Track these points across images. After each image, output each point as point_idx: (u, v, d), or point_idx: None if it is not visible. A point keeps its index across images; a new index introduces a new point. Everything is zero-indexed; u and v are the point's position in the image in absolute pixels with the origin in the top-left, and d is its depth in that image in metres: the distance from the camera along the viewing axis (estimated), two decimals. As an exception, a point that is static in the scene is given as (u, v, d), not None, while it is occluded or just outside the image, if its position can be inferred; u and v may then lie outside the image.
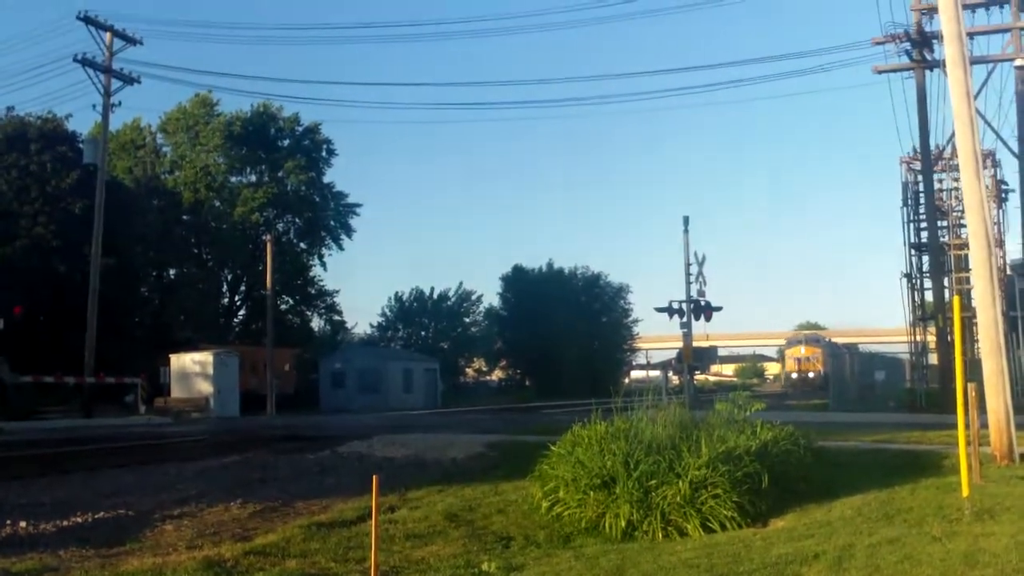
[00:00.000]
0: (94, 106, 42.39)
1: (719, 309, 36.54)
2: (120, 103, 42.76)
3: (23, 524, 11.54)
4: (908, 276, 42.14)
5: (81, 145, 48.01)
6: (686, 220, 36.24)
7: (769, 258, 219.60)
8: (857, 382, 44.75)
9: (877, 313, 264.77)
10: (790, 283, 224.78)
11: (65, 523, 11.81)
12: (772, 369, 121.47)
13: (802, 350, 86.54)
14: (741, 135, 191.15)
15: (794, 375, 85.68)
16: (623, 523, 11.58)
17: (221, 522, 12.29)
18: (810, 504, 12.43)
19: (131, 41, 42.36)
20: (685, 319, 36.20)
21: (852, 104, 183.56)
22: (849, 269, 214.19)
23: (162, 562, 9.55)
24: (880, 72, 37.31)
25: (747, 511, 11.67)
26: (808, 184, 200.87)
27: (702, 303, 36.18)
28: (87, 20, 41.08)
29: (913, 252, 42.03)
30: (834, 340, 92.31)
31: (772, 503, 12.20)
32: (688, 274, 35.71)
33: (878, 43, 36.41)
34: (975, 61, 32.35)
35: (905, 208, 42.14)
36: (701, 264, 35.97)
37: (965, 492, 10.88)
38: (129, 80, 42.56)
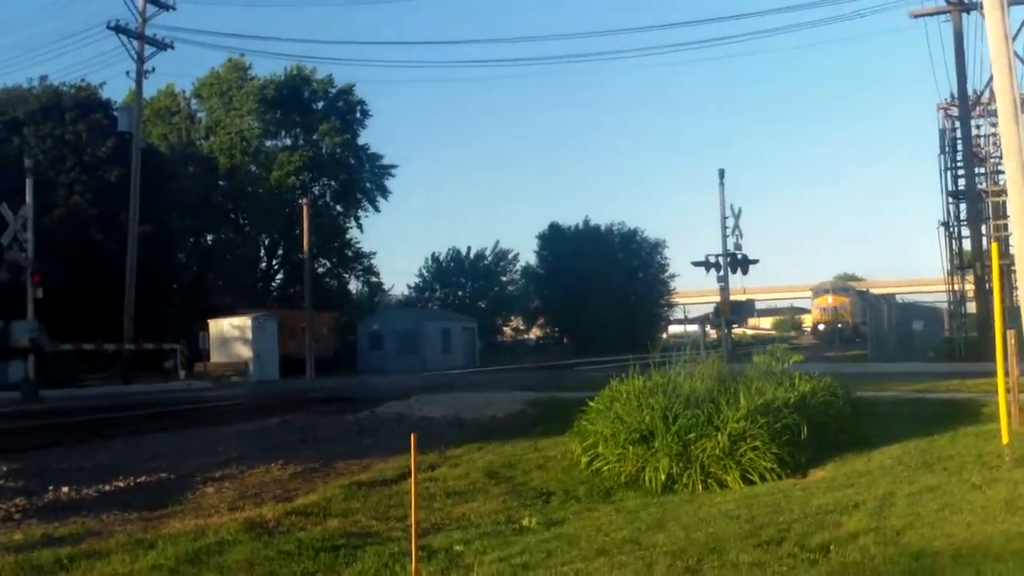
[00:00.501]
0: (128, 73, 42.47)
1: (756, 262, 36.42)
2: (154, 69, 42.92)
3: (65, 489, 11.66)
4: (946, 225, 41.62)
5: (116, 113, 48.22)
6: (721, 173, 36.04)
7: (806, 209, 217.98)
8: (895, 332, 44.42)
9: (915, 263, 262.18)
10: (827, 234, 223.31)
11: (107, 487, 11.92)
12: (809, 321, 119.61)
13: (829, 299, 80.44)
14: (777, 85, 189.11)
15: (821, 327, 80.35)
16: (663, 476, 11.58)
17: (262, 483, 12.39)
18: (849, 454, 12.39)
19: (164, 7, 42.30)
20: (722, 273, 36.07)
21: (889, 50, 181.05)
22: (887, 219, 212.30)
23: (204, 523, 9.65)
24: (916, 16, 36.76)
25: (786, 462, 11.64)
26: (845, 133, 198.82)
27: (739, 256, 36.03)
28: (119, -13, 41.04)
29: (951, 200, 41.49)
30: (872, 290, 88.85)
31: (811, 454, 12.16)
32: (724, 227, 35.55)
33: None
34: (1013, 2, 31.71)
35: (943, 156, 41.55)
36: (737, 217, 35.80)
37: (1005, 439, 10.78)
38: (162, 46, 42.55)
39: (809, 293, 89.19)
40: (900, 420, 14.83)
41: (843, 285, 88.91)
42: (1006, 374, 11.71)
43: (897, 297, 71.32)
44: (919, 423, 14.25)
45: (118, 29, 40.94)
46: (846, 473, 11.19)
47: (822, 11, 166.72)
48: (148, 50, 42.17)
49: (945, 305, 45.82)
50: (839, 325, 76.43)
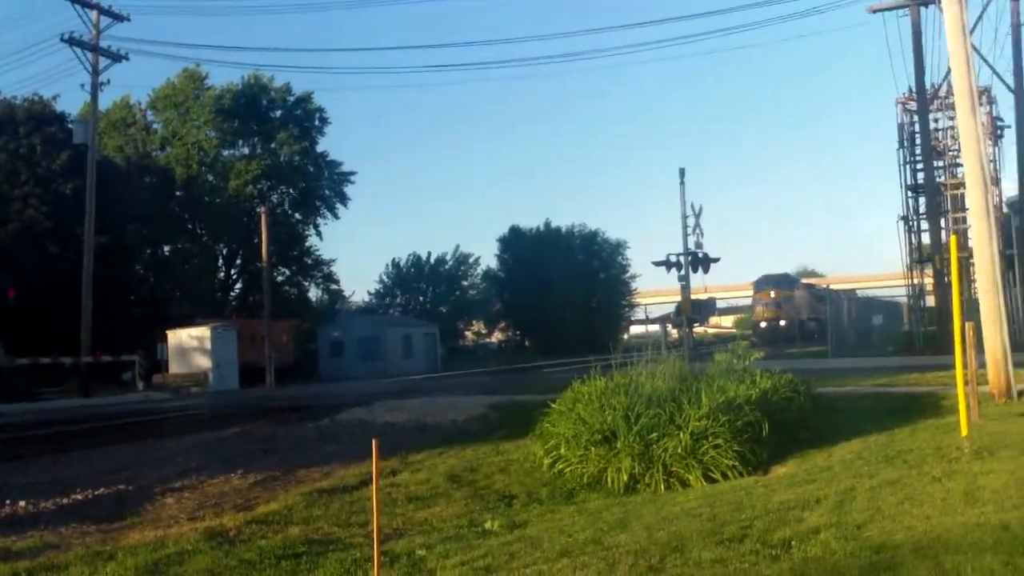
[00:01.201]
0: (82, 85, 41.91)
1: (716, 260, 36.50)
2: (109, 81, 42.31)
3: (23, 503, 11.53)
4: (905, 219, 42.05)
5: (71, 125, 47.62)
6: (682, 172, 36.10)
7: (767, 207, 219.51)
8: (855, 327, 44.76)
9: (875, 258, 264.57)
10: (788, 231, 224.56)
11: (65, 500, 11.79)
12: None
13: (772, 294, 73.04)
14: (737, 83, 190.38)
15: (763, 324, 71.98)
16: (625, 477, 11.60)
17: (222, 493, 12.30)
18: (811, 450, 12.47)
19: (118, 18, 41.80)
20: (683, 272, 36.13)
21: (847, 46, 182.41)
22: (847, 214, 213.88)
23: (164, 534, 9.57)
24: (875, 11, 37.12)
25: (748, 460, 11.69)
26: (804, 129, 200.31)
27: (700, 255, 36.10)
28: (72, -1, 40.58)
29: (910, 194, 41.92)
30: (832, 286, 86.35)
31: (773, 451, 12.23)
32: (685, 226, 35.59)
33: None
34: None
35: (901, 150, 42.00)
36: (698, 216, 35.87)
37: (964, 431, 10.88)
38: (117, 57, 42.09)
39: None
40: (861, 415, 14.96)
41: (787, 278, 79.96)
42: (965, 367, 11.82)
43: (857, 292, 71.51)
44: (879, 417, 14.38)
45: (72, 41, 40.46)
46: (807, 469, 11.24)
47: (780, 8, 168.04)
48: (103, 62, 41.69)
49: (905, 299, 46.24)
50: (781, 322, 70.42)
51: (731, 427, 11.82)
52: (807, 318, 67.73)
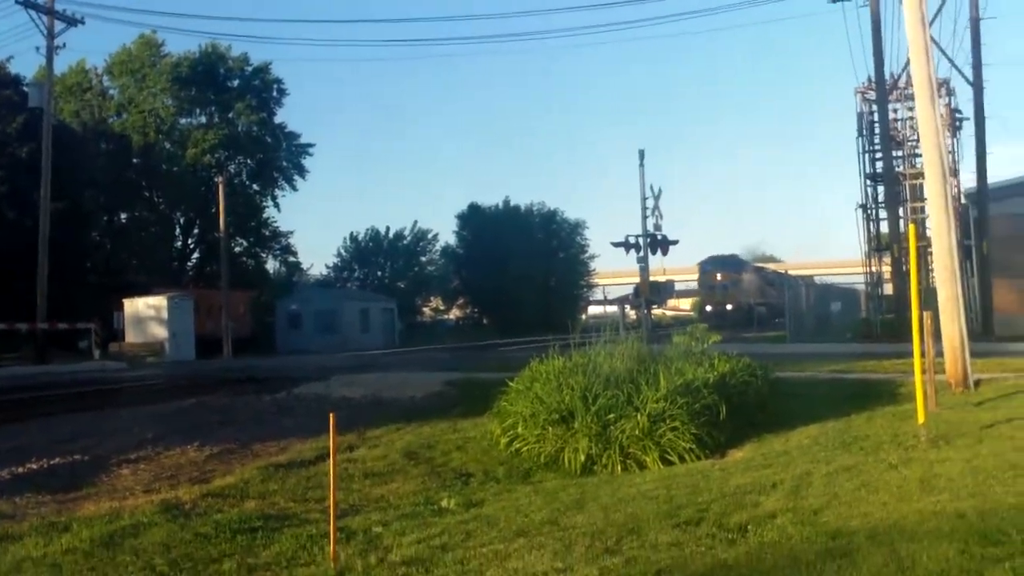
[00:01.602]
0: (38, 48, 41.33)
1: (675, 243, 36.52)
2: (64, 45, 41.74)
3: (-24, 472, 11.37)
4: (863, 207, 42.32)
5: (26, 88, 46.96)
6: (641, 154, 36.05)
7: (725, 192, 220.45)
8: (813, 313, 45.09)
9: (834, 245, 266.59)
10: (747, 216, 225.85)
11: (20, 470, 11.68)
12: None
13: (718, 276, 69.77)
14: (698, 67, 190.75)
15: (708, 307, 68.67)
16: (582, 457, 11.62)
17: (178, 465, 12.23)
18: (768, 435, 12.55)
19: (74, -20, 41.35)
20: (641, 253, 36.18)
21: (807, 34, 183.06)
22: (805, 201, 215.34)
23: (119, 506, 9.50)
24: (835, 0, 37.25)
25: (705, 443, 11.75)
26: (764, 116, 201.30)
27: (659, 237, 36.10)
28: (28, -40, 39.94)
29: (868, 183, 42.20)
30: (791, 272, 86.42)
31: (730, 434, 12.29)
32: (644, 208, 35.60)
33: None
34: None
35: (860, 139, 42.20)
36: (657, 198, 35.85)
37: (921, 419, 10.98)
38: (72, 21, 41.53)
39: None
40: (818, 400, 15.06)
41: (735, 260, 75.56)
42: (922, 355, 11.93)
43: (815, 278, 71.83)
44: (837, 403, 14.49)
45: (27, 4, 39.85)
46: (764, 453, 11.31)
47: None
48: (58, 25, 41.11)
49: (863, 287, 46.61)
50: (728, 306, 67.19)
51: (689, 410, 11.87)
52: (756, 302, 64.24)
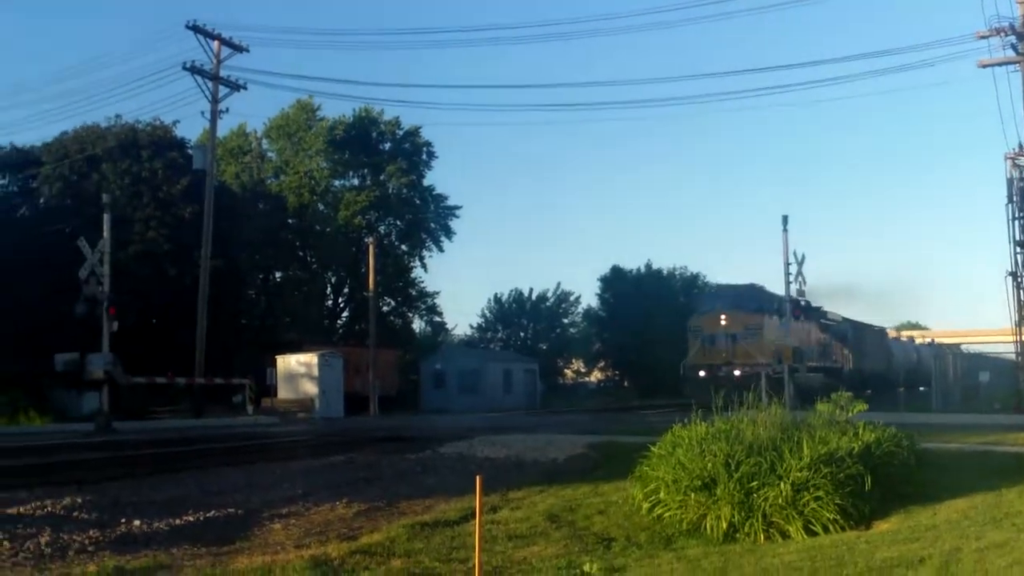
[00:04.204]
0: (202, 113, 43.37)
1: (818, 309, 36.11)
2: (227, 109, 43.71)
3: (136, 522, 11.91)
4: (1013, 275, 40.99)
5: (190, 151, 49.08)
6: (785, 219, 35.82)
7: (870, 256, 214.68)
8: (960, 383, 43.61)
9: (981, 314, 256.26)
10: (891, 283, 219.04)
11: (177, 521, 12.13)
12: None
13: (723, 320, 43.70)
14: (841, 132, 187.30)
15: (701, 372, 43.41)
16: (724, 525, 11.55)
17: (327, 521, 12.55)
18: (914, 507, 12.26)
19: (238, 48, 43.26)
20: (785, 319, 35.85)
21: (955, 99, 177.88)
22: (952, 269, 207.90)
23: (271, 560, 9.79)
24: (984, 66, 36.55)
25: (850, 513, 11.56)
26: (909, 183, 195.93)
27: (801, 303, 35.77)
28: (195, 29, 41.96)
29: (1018, 250, 40.88)
30: (937, 340, 78.94)
31: (875, 505, 12.06)
32: (787, 274, 35.33)
33: (982, 37, 35.72)
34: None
35: (1010, 205, 41.00)
36: (800, 263, 35.55)
37: (1077, 496, 10.65)
38: (235, 87, 43.48)
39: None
40: (967, 473, 14.64)
41: (752, 293, 45.43)
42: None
43: (963, 347, 68.50)
44: (986, 477, 14.06)
45: (193, 70, 41.91)
46: (911, 526, 11.08)
47: (889, 60, 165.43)
48: (222, 91, 43.12)
49: (1013, 356, 44.96)
50: (736, 372, 41.69)
51: (833, 479, 11.71)
52: (812, 366, 42.58)
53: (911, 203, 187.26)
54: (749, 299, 44.53)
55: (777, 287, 35.49)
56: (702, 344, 44.77)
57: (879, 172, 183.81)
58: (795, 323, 41.34)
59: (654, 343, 68.55)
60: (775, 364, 39.53)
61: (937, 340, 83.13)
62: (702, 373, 43.35)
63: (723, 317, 43.67)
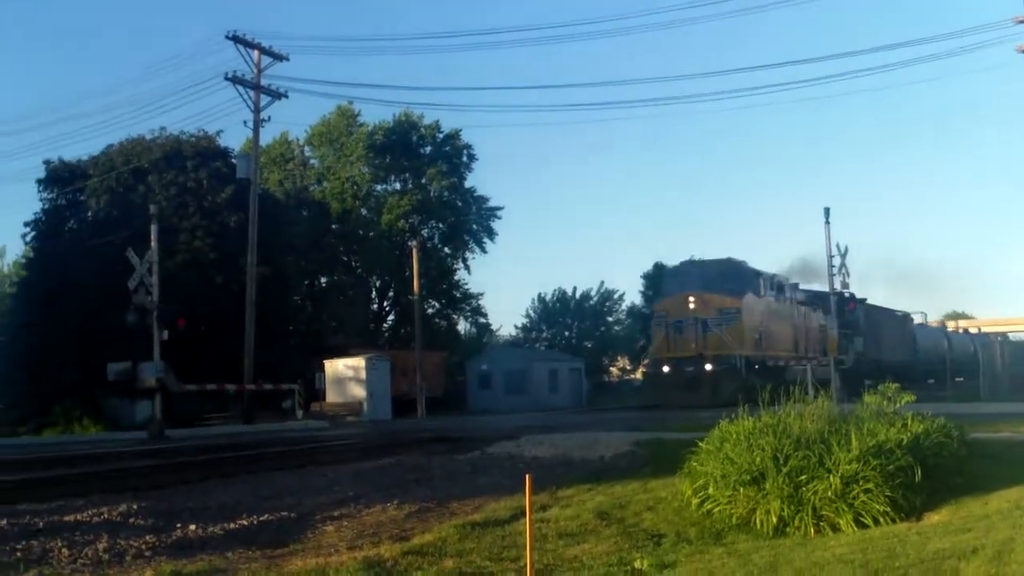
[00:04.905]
0: (245, 122, 43.70)
1: (862, 301, 35.87)
2: (269, 118, 43.94)
3: (192, 527, 12.09)
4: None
5: (234, 160, 49.56)
6: (827, 212, 35.55)
7: (912, 247, 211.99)
8: (1008, 371, 43.06)
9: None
10: (935, 272, 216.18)
11: (231, 525, 12.31)
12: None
13: (691, 304, 38.22)
14: (880, 121, 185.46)
15: (665, 368, 38.83)
16: (774, 519, 11.55)
17: (379, 523, 12.67)
18: (965, 497, 12.18)
19: (278, 57, 43.56)
20: (829, 311, 35.65)
21: (993, 86, 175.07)
22: (996, 256, 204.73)
23: (324, 562, 9.91)
24: (1022, 51, 36.14)
25: (900, 505, 11.52)
26: (949, 172, 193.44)
27: (845, 295, 35.56)
28: (235, 39, 42.27)
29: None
30: (983, 329, 77.17)
31: (926, 497, 11.99)
32: (831, 266, 35.10)
33: (1020, 22, 35.27)
34: None
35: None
36: (844, 256, 35.30)
37: None
38: (277, 95, 43.76)
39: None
40: (1018, 462, 14.50)
41: (731, 269, 40.37)
42: None
43: (1010, 335, 66.97)
44: (1038, 466, 13.93)
45: (235, 80, 42.20)
46: (962, 517, 11.02)
47: (928, 48, 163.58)
48: (263, 99, 43.40)
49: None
50: (708, 367, 37.08)
51: (882, 471, 11.67)
52: (823, 360, 38.18)
53: (953, 196, 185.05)
54: (725, 277, 38.98)
55: (764, 264, 34.87)
56: (667, 334, 38.84)
57: (918, 164, 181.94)
58: (799, 308, 39.52)
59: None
60: (820, 356, 37.09)
61: (984, 329, 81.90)
62: (666, 369, 38.52)
63: (691, 300, 38.15)
